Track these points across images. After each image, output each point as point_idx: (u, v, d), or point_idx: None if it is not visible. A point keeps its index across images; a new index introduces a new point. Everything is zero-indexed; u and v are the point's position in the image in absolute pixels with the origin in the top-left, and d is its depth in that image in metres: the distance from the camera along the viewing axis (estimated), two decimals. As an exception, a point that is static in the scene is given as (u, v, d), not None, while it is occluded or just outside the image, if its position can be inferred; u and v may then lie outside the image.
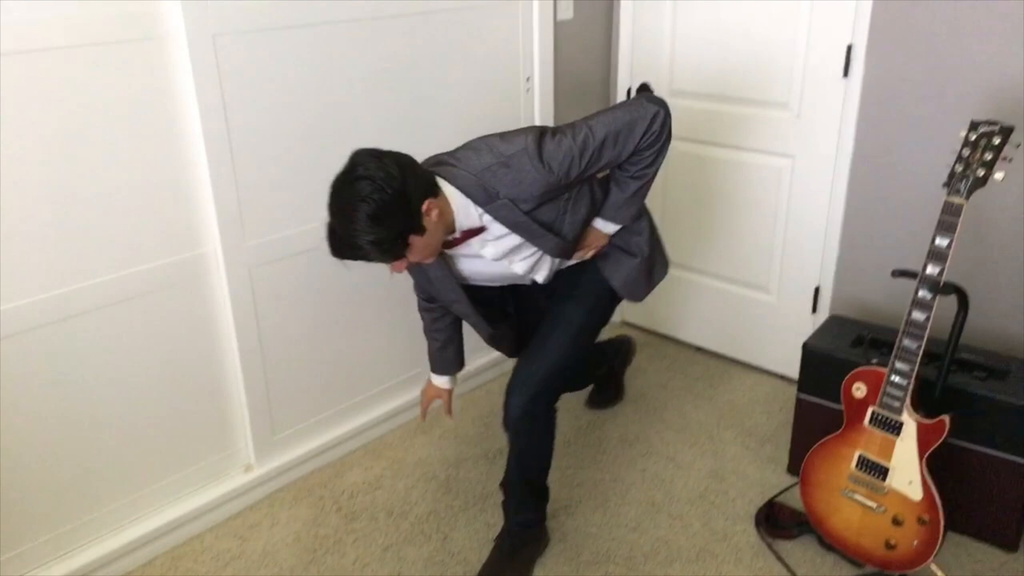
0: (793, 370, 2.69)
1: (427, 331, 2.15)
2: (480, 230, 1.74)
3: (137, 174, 1.91)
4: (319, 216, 2.28)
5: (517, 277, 1.90)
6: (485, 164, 1.68)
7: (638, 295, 2.05)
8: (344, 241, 1.55)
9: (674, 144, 2.93)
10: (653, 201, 3.07)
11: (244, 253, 2.14)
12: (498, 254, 1.79)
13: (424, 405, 2.27)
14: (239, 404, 2.28)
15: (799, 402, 2.35)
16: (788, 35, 2.53)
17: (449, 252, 1.82)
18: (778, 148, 2.67)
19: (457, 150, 1.76)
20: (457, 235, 1.73)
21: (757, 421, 2.69)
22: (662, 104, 1.77)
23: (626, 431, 2.65)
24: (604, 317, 2.07)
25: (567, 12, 2.78)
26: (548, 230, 1.77)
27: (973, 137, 1.80)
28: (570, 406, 2.77)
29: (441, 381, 2.22)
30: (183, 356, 2.12)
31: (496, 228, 1.74)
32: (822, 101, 2.52)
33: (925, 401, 1.97)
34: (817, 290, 2.73)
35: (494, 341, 2.11)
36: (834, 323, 2.45)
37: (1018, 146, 1.81)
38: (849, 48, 2.41)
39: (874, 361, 2.06)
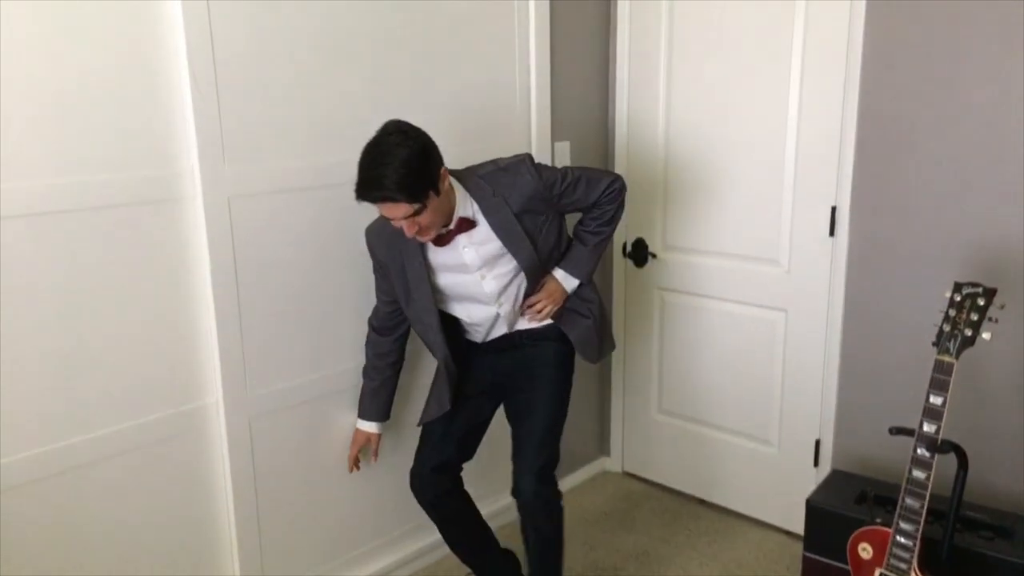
0: (798, 525, 2.63)
1: (369, 368, 2.27)
2: (471, 224, 1.98)
3: (144, 328, 1.96)
4: (320, 367, 2.32)
5: (484, 300, 2.08)
6: (487, 170, 2.03)
7: (591, 355, 2.25)
8: (374, 180, 1.77)
9: (669, 295, 3.01)
10: (650, 348, 3.12)
11: (245, 404, 2.16)
12: (478, 261, 2.01)
13: (353, 453, 2.35)
14: (231, 561, 2.22)
15: (806, 561, 2.30)
16: (774, 196, 2.65)
17: (435, 260, 2.02)
18: (770, 302, 2.74)
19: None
20: (452, 227, 1.95)
21: (764, 580, 2.61)
22: (621, 177, 2.18)
23: (628, 590, 2.57)
24: (569, 386, 2.25)
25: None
26: (528, 236, 2.01)
27: (958, 298, 1.87)
28: (569, 563, 2.69)
29: (370, 427, 2.32)
30: (176, 508, 2.09)
31: (483, 229, 1.99)
32: (810, 258, 2.61)
33: (933, 562, 1.93)
34: (818, 443, 2.72)
35: (446, 367, 2.15)
36: (837, 478, 2.43)
37: (1002, 307, 1.86)
38: (833, 210, 2.52)
39: (878, 521, 2.03)
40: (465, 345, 2.22)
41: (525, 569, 2.31)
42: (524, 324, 2.20)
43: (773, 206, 2.67)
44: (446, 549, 2.70)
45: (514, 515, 2.51)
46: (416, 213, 1.81)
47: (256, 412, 2.18)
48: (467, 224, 1.98)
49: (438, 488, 2.26)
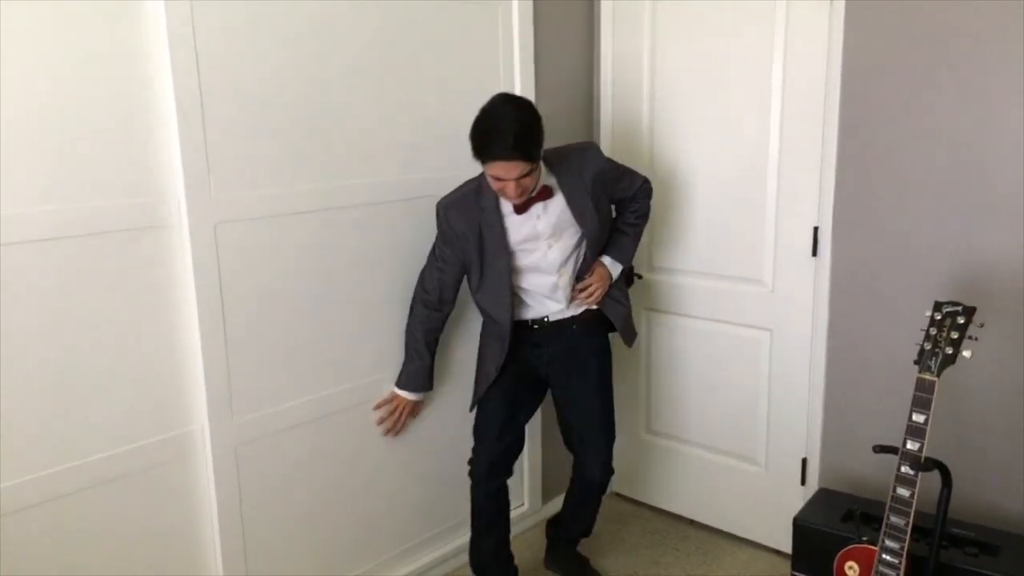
0: (786, 544, 2.64)
1: (420, 347, 2.39)
2: (550, 194, 2.20)
3: (128, 355, 1.95)
4: (308, 392, 2.31)
5: (547, 269, 2.28)
6: (562, 151, 2.28)
7: (629, 339, 2.54)
8: (498, 141, 1.96)
9: (656, 315, 3.03)
10: (638, 368, 3.13)
11: (231, 430, 2.15)
12: (548, 230, 2.23)
13: (401, 415, 2.46)
14: (217, 589, 2.20)
15: (794, 580, 2.30)
16: (757, 216, 2.68)
17: (510, 227, 2.22)
18: (756, 321, 2.76)
19: None
20: (533, 194, 2.15)
21: (753, 600, 2.61)
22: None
23: (618, 612, 2.56)
24: (611, 371, 2.52)
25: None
26: (593, 207, 2.25)
27: (938, 317, 1.89)
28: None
29: (419, 396, 2.48)
30: (161, 539, 2.07)
31: (558, 199, 2.22)
32: (794, 278, 2.64)
33: (919, 580, 1.94)
34: (805, 461, 2.73)
35: (501, 335, 2.33)
36: (823, 496, 2.44)
37: (982, 325, 1.89)
38: (816, 229, 2.55)
39: (864, 539, 2.04)
40: (518, 336, 2.37)
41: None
42: (573, 310, 2.39)
43: (757, 226, 2.70)
44: (439, 571, 2.71)
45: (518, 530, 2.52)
46: (528, 173, 2.01)
47: (242, 439, 2.17)
48: (547, 192, 2.19)
49: (500, 479, 2.43)
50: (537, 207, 2.20)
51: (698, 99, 2.77)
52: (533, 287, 2.33)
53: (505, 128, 1.97)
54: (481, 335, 2.48)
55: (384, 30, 2.35)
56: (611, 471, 2.52)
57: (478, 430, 2.45)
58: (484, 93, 2.61)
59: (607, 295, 2.43)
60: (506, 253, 2.24)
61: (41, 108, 1.74)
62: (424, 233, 2.52)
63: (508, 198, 2.12)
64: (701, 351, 2.94)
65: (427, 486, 2.69)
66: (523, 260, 2.28)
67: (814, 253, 2.57)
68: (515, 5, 2.70)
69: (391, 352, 2.50)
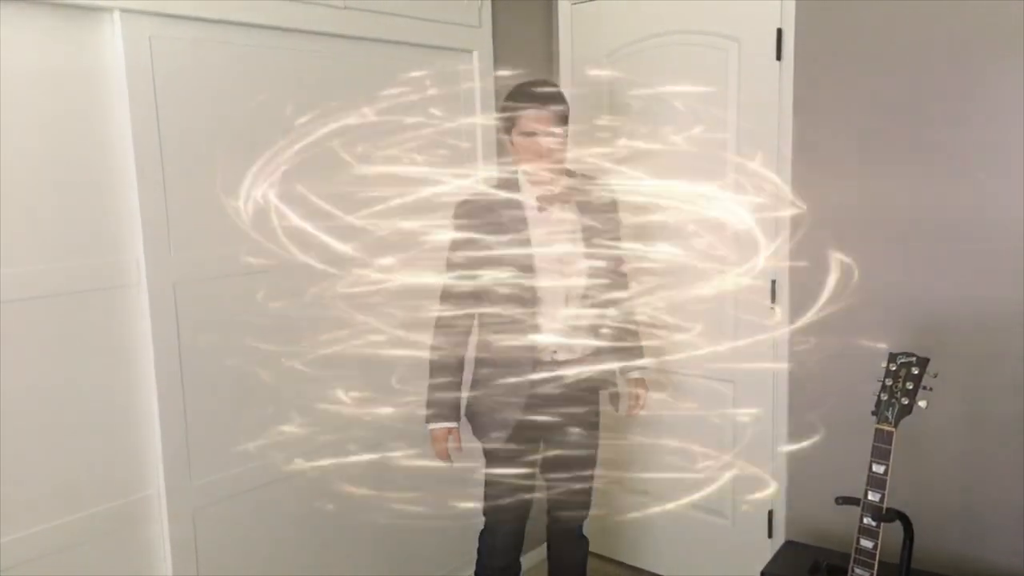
0: (755, 598, 2.62)
1: (453, 367, 2.24)
2: (570, 196, 2.23)
3: (85, 417, 1.91)
4: (269, 453, 2.27)
5: (560, 264, 2.22)
6: (587, 179, 2.33)
7: (616, 402, 2.46)
8: (528, 87, 2.15)
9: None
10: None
11: (189, 494, 2.09)
12: (561, 236, 2.22)
13: (445, 451, 2.27)
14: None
15: (763, 635, 2.28)
16: (715, 267, 2.72)
17: (532, 215, 2.20)
18: (718, 373, 2.78)
19: None
20: (557, 190, 2.21)
21: (724, 657, 2.57)
22: None
23: (588, 674, 2.50)
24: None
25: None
26: (599, 226, 2.25)
27: (893, 368, 1.93)
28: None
29: (452, 424, 2.26)
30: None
31: (574, 209, 2.24)
32: (755, 328, 2.67)
33: (886, 633, 1.93)
34: (771, 514, 2.73)
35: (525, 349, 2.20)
36: (790, 549, 2.43)
37: (935, 375, 1.92)
38: (773, 283, 2.60)
39: (830, 592, 2.04)
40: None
41: None
42: (577, 351, 2.27)
43: (714, 277, 2.73)
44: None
45: None
46: (556, 130, 2.12)
47: (201, 503, 2.12)
48: (568, 196, 2.24)
49: (518, 551, 2.38)
50: (555, 209, 2.22)
51: (656, 169, 2.82)
52: (543, 292, 2.22)
53: (538, 85, 2.18)
54: (481, 367, 2.29)
55: (345, 87, 2.37)
56: (583, 524, 2.47)
57: (493, 511, 2.32)
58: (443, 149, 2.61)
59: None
60: (525, 228, 2.19)
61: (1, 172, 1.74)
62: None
63: (539, 154, 2.12)
64: (665, 403, 2.94)
65: (388, 545, 2.64)
66: (539, 259, 2.21)
67: (773, 301, 2.61)
68: (476, 60, 2.75)
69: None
